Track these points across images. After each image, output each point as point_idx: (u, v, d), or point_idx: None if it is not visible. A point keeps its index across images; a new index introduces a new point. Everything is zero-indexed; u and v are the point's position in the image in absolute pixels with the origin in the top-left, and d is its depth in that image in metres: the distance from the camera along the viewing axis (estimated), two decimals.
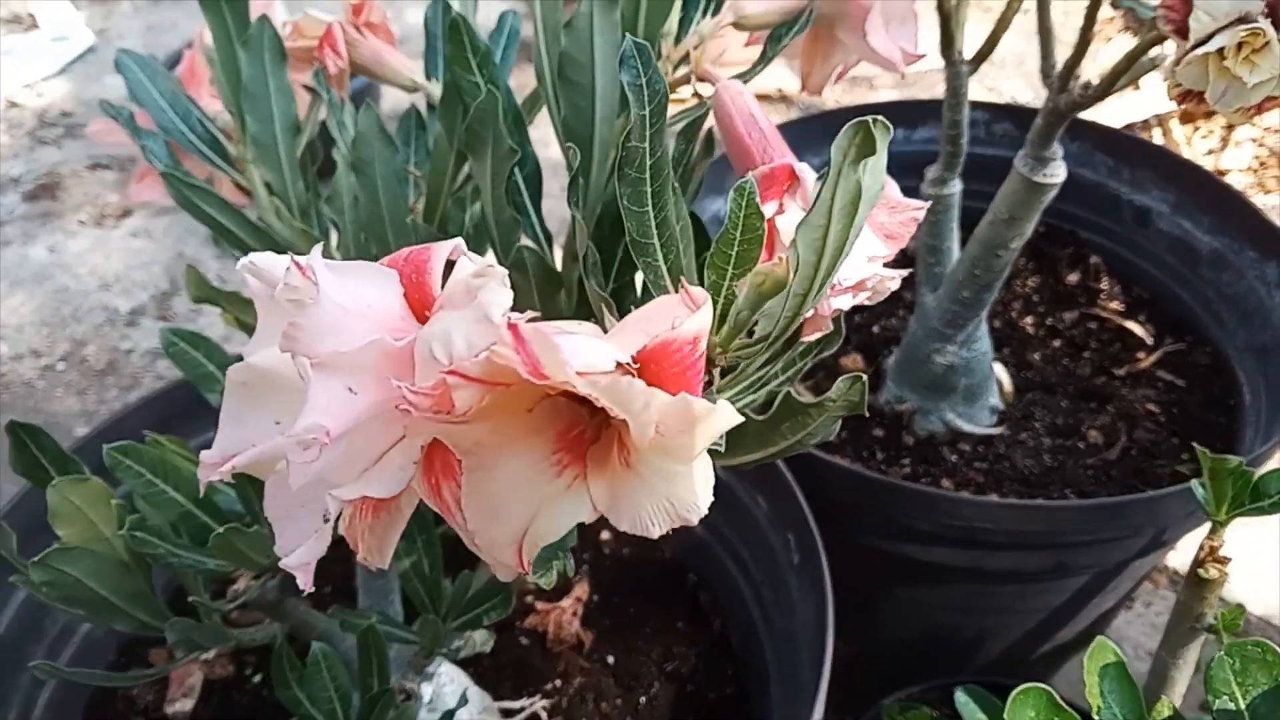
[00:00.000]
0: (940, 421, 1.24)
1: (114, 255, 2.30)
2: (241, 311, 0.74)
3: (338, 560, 1.17)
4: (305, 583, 0.36)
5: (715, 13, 0.70)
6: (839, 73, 0.84)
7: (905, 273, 0.58)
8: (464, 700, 0.92)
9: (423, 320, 0.38)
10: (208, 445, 0.40)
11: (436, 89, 0.84)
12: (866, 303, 0.60)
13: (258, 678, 1.04)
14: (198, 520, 0.66)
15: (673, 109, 0.70)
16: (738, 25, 0.72)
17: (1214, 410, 1.23)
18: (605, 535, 1.21)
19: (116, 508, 0.63)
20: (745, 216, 0.46)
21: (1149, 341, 1.34)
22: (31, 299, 2.18)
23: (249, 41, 0.74)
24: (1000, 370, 1.29)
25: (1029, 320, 1.39)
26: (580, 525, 1.25)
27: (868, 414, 1.28)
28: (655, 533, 0.33)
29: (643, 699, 1.03)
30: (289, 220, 0.70)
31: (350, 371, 0.33)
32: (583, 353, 0.30)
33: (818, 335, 0.59)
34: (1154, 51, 0.88)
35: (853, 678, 1.14)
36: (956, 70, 1.10)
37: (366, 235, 0.74)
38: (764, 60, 0.71)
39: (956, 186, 1.14)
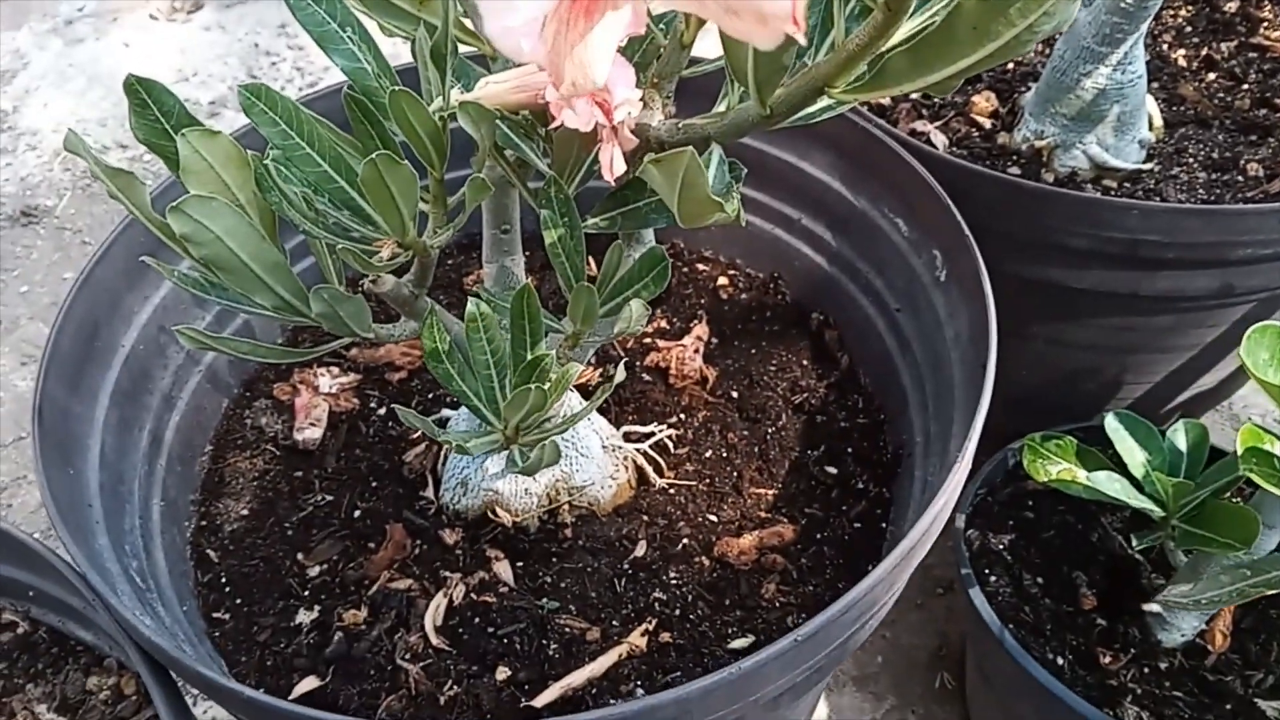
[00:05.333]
0: (1084, 156, 1.14)
1: (189, 49, 2.24)
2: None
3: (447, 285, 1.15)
4: (529, 46, 0.31)
5: None
6: None
7: None
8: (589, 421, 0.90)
9: None
10: None
11: None
12: None
13: (381, 410, 1.03)
14: (334, 184, 0.62)
15: None
16: None
17: None
18: (723, 280, 1.16)
19: (253, 159, 0.59)
20: None
21: None
22: (110, 94, 2.14)
23: None
24: (1150, 103, 1.18)
25: (1181, 52, 1.26)
26: (696, 272, 1.16)
27: (1002, 154, 1.20)
28: None
29: (770, 429, 1.00)
30: None
31: None
32: None
33: None
34: None
35: None
36: None
37: None
38: None
39: None
